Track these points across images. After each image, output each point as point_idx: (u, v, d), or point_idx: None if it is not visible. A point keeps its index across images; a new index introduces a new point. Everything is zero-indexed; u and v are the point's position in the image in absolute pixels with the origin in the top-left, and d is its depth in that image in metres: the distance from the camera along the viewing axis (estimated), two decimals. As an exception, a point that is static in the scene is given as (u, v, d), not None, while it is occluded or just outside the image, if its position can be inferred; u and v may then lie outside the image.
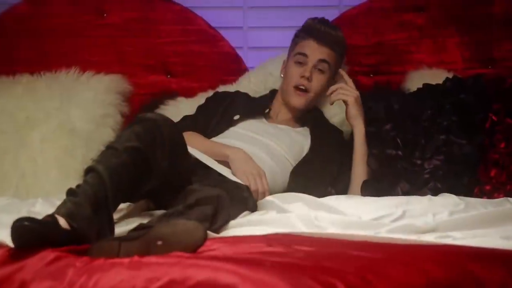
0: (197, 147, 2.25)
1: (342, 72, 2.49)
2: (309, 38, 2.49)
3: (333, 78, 2.52)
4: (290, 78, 2.48)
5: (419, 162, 2.29)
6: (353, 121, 2.39)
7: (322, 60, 2.48)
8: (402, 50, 2.81)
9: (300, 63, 2.48)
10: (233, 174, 2.21)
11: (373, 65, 2.83)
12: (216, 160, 2.25)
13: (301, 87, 2.46)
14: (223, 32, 2.89)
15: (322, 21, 2.54)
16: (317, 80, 2.48)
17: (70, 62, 2.79)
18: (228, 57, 2.88)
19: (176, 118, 2.43)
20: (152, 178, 1.81)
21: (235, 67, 2.87)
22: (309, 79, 2.46)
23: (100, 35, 2.86)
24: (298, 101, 2.48)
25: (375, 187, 2.28)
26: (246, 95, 2.63)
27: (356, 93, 2.41)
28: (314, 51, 2.48)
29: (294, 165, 2.38)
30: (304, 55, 2.48)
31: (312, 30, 2.50)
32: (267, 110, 2.52)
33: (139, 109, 2.76)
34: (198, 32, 2.87)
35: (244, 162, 2.22)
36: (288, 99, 2.50)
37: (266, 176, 2.22)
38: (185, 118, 2.54)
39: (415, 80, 2.65)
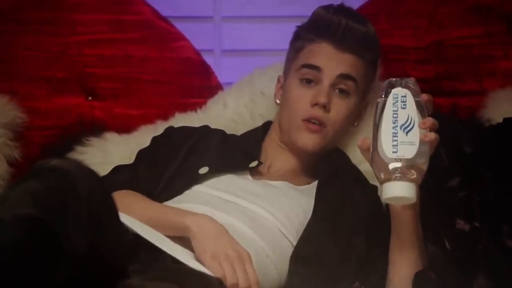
0: (137, 216, 2.25)
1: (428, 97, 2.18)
2: (321, 40, 2.53)
3: (362, 102, 2.57)
4: (295, 106, 2.52)
5: (509, 243, 2.32)
6: None
7: (344, 76, 2.51)
8: (477, 56, 2.87)
9: (309, 82, 2.52)
10: (197, 258, 2.21)
11: (429, 79, 2.85)
12: (169, 237, 2.25)
13: (314, 121, 2.50)
14: (182, 26, 2.94)
15: (342, 10, 2.57)
16: (338, 108, 2.51)
17: None
18: (190, 66, 2.93)
19: (102, 168, 2.46)
20: (60, 268, 1.80)
21: (202, 82, 2.91)
22: (325, 107, 2.50)
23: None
24: (310, 140, 2.52)
25: (434, 283, 2.30)
26: (220, 133, 2.66)
27: None
28: (331, 60, 2.52)
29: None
30: (315, 68, 2.52)
31: (326, 26, 2.54)
32: (253, 164, 2.55)
33: (40, 152, 2.79)
34: (141, 25, 2.92)
35: (215, 238, 2.21)
36: (292, 139, 2.54)
37: (251, 262, 2.21)
38: (118, 169, 2.57)
39: (500, 106, 2.70)
